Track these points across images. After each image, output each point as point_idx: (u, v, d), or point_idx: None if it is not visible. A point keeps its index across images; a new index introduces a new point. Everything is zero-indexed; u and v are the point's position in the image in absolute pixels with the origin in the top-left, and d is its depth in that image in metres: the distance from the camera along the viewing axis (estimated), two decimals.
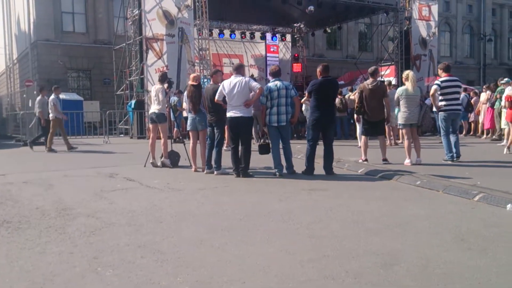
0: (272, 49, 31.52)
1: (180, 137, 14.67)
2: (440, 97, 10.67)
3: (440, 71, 11.03)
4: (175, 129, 16.03)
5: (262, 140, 10.03)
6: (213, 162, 9.73)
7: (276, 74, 9.68)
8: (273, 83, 9.45)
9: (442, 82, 10.60)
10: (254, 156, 9.60)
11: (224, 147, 10.06)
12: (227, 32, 28.77)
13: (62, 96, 25.88)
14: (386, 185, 8.47)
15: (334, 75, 33.23)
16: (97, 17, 33.21)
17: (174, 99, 16.60)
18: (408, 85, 10.44)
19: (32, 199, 7.29)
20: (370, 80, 10.61)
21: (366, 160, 10.68)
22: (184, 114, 14.86)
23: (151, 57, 20.48)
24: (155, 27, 20.43)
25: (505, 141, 13.75)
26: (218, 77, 10.06)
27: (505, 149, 12.58)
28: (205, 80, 18.20)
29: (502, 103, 14.02)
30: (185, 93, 10.83)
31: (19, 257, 4.48)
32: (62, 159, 13.75)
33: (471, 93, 20.15)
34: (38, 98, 16.23)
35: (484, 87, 19.01)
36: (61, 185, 8.70)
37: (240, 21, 29.28)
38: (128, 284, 3.80)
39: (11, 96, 40.75)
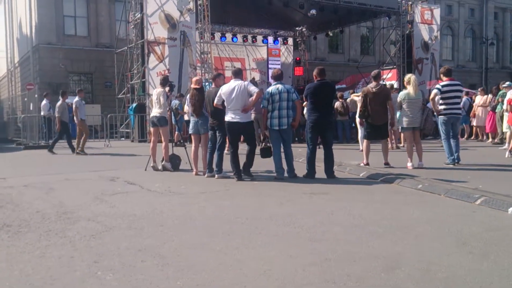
0: (274, 53, 31.51)
1: (181, 141, 14.68)
2: (441, 101, 10.66)
3: (441, 75, 11.03)
4: (176, 132, 16.03)
5: (263, 144, 10.02)
6: (214, 166, 9.72)
7: (278, 78, 9.69)
8: (274, 87, 9.46)
9: (443, 86, 10.59)
10: (255, 159, 9.59)
11: (226, 151, 10.05)
12: (229, 36, 28.76)
13: None
14: (388, 188, 8.46)
15: (336, 78, 33.50)
16: (99, 20, 33.25)
17: (175, 102, 16.61)
18: (410, 89, 10.43)
19: (33, 203, 7.28)
20: (373, 83, 10.62)
21: (367, 163, 10.67)
22: (186, 117, 14.85)
23: (152, 61, 20.48)
24: (157, 30, 20.44)
25: (506, 144, 13.73)
26: (220, 80, 10.05)
27: (507, 153, 12.56)
28: (206, 83, 18.18)
29: (504, 107, 14.00)
30: (188, 97, 10.83)
31: (19, 260, 4.47)
32: (63, 163, 13.75)
33: (473, 97, 20.11)
34: (59, 102, 16.22)
35: (479, 90, 18.97)
36: (61, 188, 8.69)
37: (242, 24, 29.28)
38: None
39: (12, 99, 40.80)
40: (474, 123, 18.64)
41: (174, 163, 10.94)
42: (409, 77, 10.67)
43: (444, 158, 10.94)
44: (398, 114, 11.60)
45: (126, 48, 23.33)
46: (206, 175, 9.85)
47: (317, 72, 9.78)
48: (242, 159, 9.46)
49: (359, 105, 10.83)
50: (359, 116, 10.76)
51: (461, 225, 5.66)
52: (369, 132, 10.77)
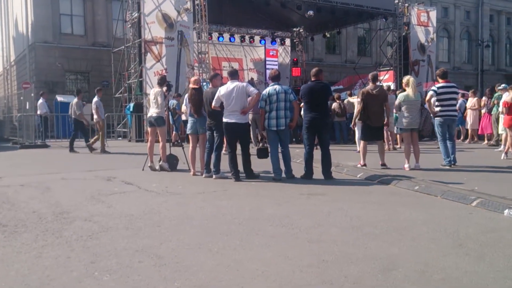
0: (271, 53, 31.55)
1: (179, 141, 14.67)
2: (437, 103, 10.70)
3: (437, 77, 11.07)
4: (174, 132, 16.02)
5: (260, 144, 10.03)
6: (212, 166, 9.72)
7: (276, 78, 9.70)
8: (272, 87, 9.46)
9: (438, 88, 10.63)
10: (252, 160, 9.60)
11: (223, 151, 10.05)
12: (226, 36, 28.80)
13: (59, 98, 26.00)
14: (385, 190, 8.47)
15: (333, 79, 33.55)
16: (95, 19, 33.19)
17: (173, 102, 16.60)
18: (409, 90, 10.45)
19: (29, 203, 7.26)
20: (372, 85, 10.64)
21: (365, 165, 10.68)
22: (183, 117, 14.84)
23: (150, 60, 20.47)
24: (154, 30, 20.43)
25: (502, 146, 13.77)
26: (218, 81, 10.05)
27: (503, 155, 12.60)
28: (204, 83, 18.18)
29: (500, 109, 14.04)
30: (186, 97, 10.82)
31: (15, 261, 4.46)
32: (59, 162, 13.73)
33: (478, 99, 20.14)
34: (75, 101, 16.28)
35: (470, 92, 19.00)
36: (58, 188, 8.68)
37: (240, 25, 29.31)
38: None
39: (8, 98, 40.68)
40: (466, 125, 18.66)
41: (171, 163, 10.94)
42: (408, 79, 10.69)
43: (440, 159, 10.97)
44: (394, 115, 11.65)
45: (123, 47, 23.30)
46: (203, 176, 9.85)
47: (312, 72, 9.86)
48: (240, 160, 9.46)
49: (358, 107, 10.81)
50: (359, 119, 10.73)
51: (457, 227, 5.67)
52: (365, 133, 10.79)
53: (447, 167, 10.59)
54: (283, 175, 9.54)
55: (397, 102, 10.77)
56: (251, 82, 21.20)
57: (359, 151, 12.45)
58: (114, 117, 23.16)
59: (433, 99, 10.68)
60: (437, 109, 10.68)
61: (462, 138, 19.06)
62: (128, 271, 4.14)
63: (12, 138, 22.59)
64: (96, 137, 16.20)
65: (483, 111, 17.83)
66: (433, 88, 10.82)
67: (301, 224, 5.78)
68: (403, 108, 10.50)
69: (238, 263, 4.37)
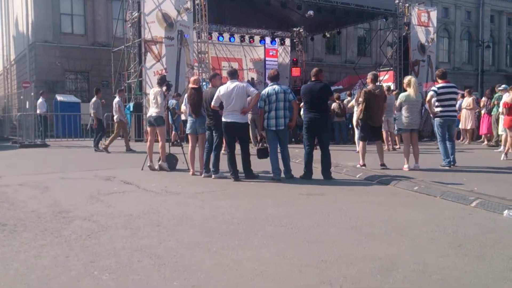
0: (271, 53, 31.55)
1: (178, 140, 14.67)
2: (437, 103, 10.71)
3: (436, 78, 11.07)
4: (173, 132, 16.02)
5: (260, 144, 10.03)
6: (211, 166, 9.72)
7: (275, 78, 9.70)
8: (271, 87, 9.46)
9: (438, 88, 10.63)
10: (252, 160, 9.59)
11: (223, 151, 10.04)
12: (226, 36, 28.79)
13: (59, 98, 25.98)
14: (384, 190, 8.47)
15: (333, 79, 33.53)
16: (96, 19, 33.18)
17: (172, 102, 16.60)
18: (411, 91, 10.44)
19: (28, 202, 7.26)
20: (372, 85, 10.63)
21: (364, 165, 10.68)
22: (183, 117, 14.84)
23: (149, 60, 20.47)
24: (154, 29, 20.42)
25: (502, 147, 13.77)
26: (217, 80, 10.05)
27: (503, 155, 12.60)
28: (203, 83, 18.18)
29: (500, 110, 14.05)
30: (185, 96, 10.81)
31: (15, 260, 4.46)
32: (58, 162, 13.73)
33: (473, 98, 20.13)
34: (93, 99, 16.43)
35: (465, 91, 18.99)
36: (57, 187, 8.67)
37: (240, 24, 29.31)
38: None
39: (8, 97, 40.65)
40: (460, 125, 18.58)
41: (170, 163, 10.93)
42: (409, 79, 10.68)
43: (440, 160, 10.97)
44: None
45: (123, 47, 23.29)
46: (202, 175, 9.85)
47: (312, 72, 9.89)
48: (239, 160, 9.46)
49: (360, 106, 10.77)
50: (362, 118, 10.70)
51: (456, 227, 5.67)
52: (365, 133, 10.79)
53: (447, 168, 10.59)
54: (282, 175, 9.54)
55: (397, 102, 10.77)
56: (251, 82, 21.22)
57: (358, 151, 12.45)
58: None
59: (433, 100, 10.69)
60: (437, 109, 10.68)
61: (462, 138, 19.04)
62: (127, 271, 4.14)
63: (11, 138, 22.59)
64: (110, 138, 16.27)
65: (482, 111, 17.84)
66: (433, 88, 10.82)
67: (300, 224, 5.78)
68: (403, 108, 10.49)
69: (236, 263, 4.37)
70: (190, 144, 10.37)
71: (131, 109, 21.27)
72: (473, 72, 51.72)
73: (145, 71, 20.36)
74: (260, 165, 10.04)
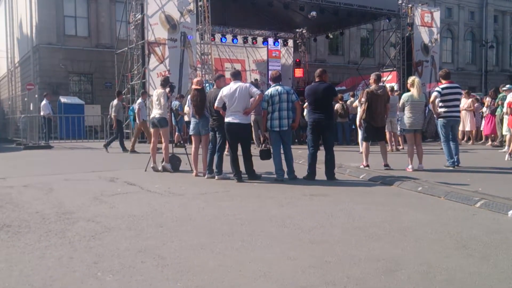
0: (274, 54, 31.53)
1: (181, 142, 14.68)
2: (440, 104, 10.69)
3: (440, 78, 11.05)
4: (177, 133, 16.03)
5: (263, 145, 10.03)
6: (214, 167, 9.72)
7: (277, 79, 9.69)
8: (274, 88, 9.46)
9: (442, 89, 10.61)
10: (255, 161, 9.59)
11: (226, 152, 10.04)
12: (229, 37, 28.78)
13: (63, 99, 26.05)
14: (388, 191, 8.45)
15: (336, 80, 33.50)
16: (99, 21, 33.22)
17: (175, 103, 16.62)
18: (414, 91, 10.42)
19: (32, 203, 7.28)
20: (375, 86, 10.61)
21: (367, 165, 10.66)
22: (186, 118, 14.85)
23: (153, 62, 20.48)
24: (157, 31, 20.43)
25: (506, 147, 13.74)
26: (221, 82, 10.05)
27: (507, 156, 12.56)
28: (207, 84, 18.18)
29: (504, 110, 14.02)
30: (188, 97, 10.81)
31: (19, 261, 4.47)
32: (62, 163, 13.75)
33: (473, 99, 20.10)
34: (114, 102, 16.70)
35: (464, 92, 18.94)
36: (61, 189, 8.69)
37: (243, 26, 29.29)
38: None
39: (12, 99, 40.75)
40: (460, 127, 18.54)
41: (174, 164, 10.94)
42: (413, 79, 10.67)
43: (444, 160, 10.95)
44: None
45: (126, 48, 23.33)
46: (206, 176, 9.85)
47: (316, 73, 9.86)
48: (242, 160, 9.46)
49: (363, 106, 10.77)
50: (364, 119, 10.70)
51: (461, 228, 5.66)
52: (368, 134, 10.77)
53: (451, 168, 10.57)
54: (286, 176, 9.53)
55: (401, 102, 10.75)
56: (255, 83, 21.22)
57: (361, 152, 12.44)
58: None
59: (437, 100, 10.67)
60: (440, 110, 10.66)
61: (465, 139, 19.01)
62: (130, 272, 4.15)
63: (16, 139, 22.65)
64: (133, 139, 16.40)
65: (486, 112, 17.81)
66: (437, 89, 10.79)
67: (303, 225, 5.77)
68: (406, 109, 10.47)
69: (240, 264, 4.37)
70: (193, 145, 10.38)
71: (135, 110, 21.26)
72: (477, 72, 51.62)
73: (148, 72, 20.38)
74: (263, 166, 10.04)
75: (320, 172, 9.67)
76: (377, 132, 10.72)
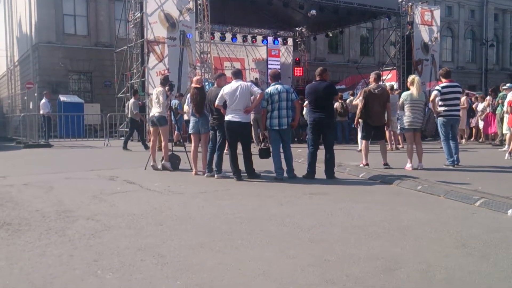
0: (273, 53, 31.47)
1: (181, 140, 14.67)
2: (440, 103, 10.68)
3: (440, 77, 11.05)
4: (176, 132, 16.03)
5: (262, 144, 10.03)
6: (214, 166, 9.72)
7: (276, 78, 9.70)
8: (273, 87, 9.46)
9: (442, 88, 10.60)
10: (254, 160, 9.59)
11: (226, 151, 10.05)
12: (228, 36, 28.74)
13: (62, 98, 26.04)
14: (387, 189, 8.46)
15: (335, 79, 33.51)
16: (98, 19, 33.19)
17: (175, 102, 16.61)
18: (414, 90, 10.42)
19: (32, 201, 7.28)
20: (374, 84, 10.61)
21: (367, 164, 10.67)
22: (185, 117, 14.85)
23: (152, 60, 20.46)
24: (156, 30, 20.41)
25: (506, 146, 13.74)
26: (222, 81, 10.05)
27: (507, 155, 12.55)
28: (206, 83, 18.17)
29: (504, 108, 14.02)
30: (188, 96, 10.82)
31: (19, 259, 4.47)
32: (62, 162, 13.75)
33: (473, 98, 20.13)
34: (131, 101, 16.87)
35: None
36: (61, 187, 8.69)
37: (242, 24, 29.26)
38: (128, 287, 3.79)
39: (12, 98, 40.74)
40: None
41: (173, 162, 10.94)
42: (413, 78, 10.67)
43: (443, 159, 10.95)
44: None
45: (125, 47, 23.29)
46: (205, 175, 9.85)
47: (317, 72, 9.86)
48: (241, 159, 9.47)
49: (359, 105, 10.79)
50: (360, 117, 10.74)
51: (460, 227, 5.67)
52: (366, 133, 10.78)
53: (450, 167, 10.57)
54: (285, 174, 9.53)
55: (400, 101, 10.75)
56: (255, 82, 21.22)
57: (360, 151, 12.45)
58: (117, 117, 23.16)
59: (436, 99, 10.67)
60: (440, 108, 10.66)
61: (465, 137, 19.02)
62: (130, 270, 4.15)
63: (16, 138, 22.64)
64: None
65: (487, 110, 17.82)
66: (437, 87, 10.78)
67: (303, 224, 5.78)
68: (406, 108, 10.47)
69: (239, 262, 4.37)
70: (192, 144, 10.38)
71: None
72: (477, 71, 51.61)
73: (147, 71, 20.36)
74: (262, 164, 10.04)
75: (320, 171, 9.67)
76: (376, 131, 10.71)
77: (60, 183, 9.20)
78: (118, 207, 6.83)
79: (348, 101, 18.66)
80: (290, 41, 32.41)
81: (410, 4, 26.31)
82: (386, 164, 10.59)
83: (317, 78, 9.78)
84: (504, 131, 14.39)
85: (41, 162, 13.61)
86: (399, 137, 15.47)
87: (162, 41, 20.48)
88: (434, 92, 10.72)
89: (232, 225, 5.77)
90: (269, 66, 29.62)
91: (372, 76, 10.85)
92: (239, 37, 29.40)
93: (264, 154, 9.80)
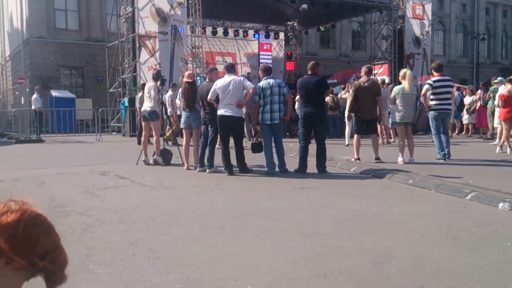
0: (265, 47, 31.45)
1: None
2: (432, 96, 10.70)
3: (432, 71, 11.08)
4: (168, 127, 15.99)
5: (254, 139, 10.02)
6: (205, 160, 9.72)
7: (268, 72, 9.70)
8: (265, 81, 9.45)
9: (434, 81, 10.63)
10: (246, 154, 9.59)
11: (217, 146, 10.04)
12: (220, 30, 28.67)
13: (54, 93, 25.91)
14: (379, 183, 8.48)
15: (327, 73, 33.47)
16: (90, 14, 33.04)
17: (169, 93, 16.54)
18: (405, 83, 10.43)
19: (24, 197, 7.22)
20: (365, 78, 10.62)
21: (358, 158, 10.68)
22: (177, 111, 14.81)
23: (144, 55, 20.40)
24: (148, 24, 20.34)
25: (497, 140, 13.81)
26: (214, 75, 10.03)
27: (498, 148, 12.62)
28: (198, 78, 18.13)
29: (496, 102, 14.08)
30: (180, 91, 10.79)
31: None
32: (54, 157, 13.70)
33: (464, 92, 20.20)
34: (140, 94, 16.35)
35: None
36: (52, 182, 8.66)
37: (233, 19, 29.21)
38: (120, 282, 3.80)
39: (3, 93, 40.56)
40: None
41: (165, 157, 10.92)
42: (405, 72, 10.68)
43: (434, 153, 10.98)
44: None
45: (117, 42, 23.20)
46: (197, 170, 9.85)
47: (309, 66, 9.87)
48: (233, 154, 9.46)
49: (349, 99, 10.81)
50: (349, 110, 10.76)
51: (451, 220, 5.69)
52: (358, 127, 10.78)
53: (442, 161, 10.60)
54: (277, 169, 9.54)
55: (392, 95, 10.77)
56: (247, 76, 21.20)
57: (347, 145, 12.48)
58: (108, 112, 23.10)
59: (428, 93, 10.69)
60: (432, 102, 10.68)
61: (457, 131, 19.11)
62: (122, 264, 4.15)
63: (7, 133, 22.54)
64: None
65: (478, 104, 17.90)
66: (429, 81, 10.81)
67: (294, 218, 5.79)
68: (397, 101, 10.48)
69: (231, 256, 4.38)
70: (184, 139, 10.36)
71: (126, 104, 21.17)
72: (469, 65, 51.76)
73: (139, 66, 20.29)
74: (254, 159, 10.04)
75: (311, 165, 9.68)
76: (367, 125, 10.71)
77: (51, 178, 9.16)
78: (110, 202, 6.82)
79: (339, 95, 18.68)
80: (281, 35, 32.39)
81: None
82: (377, 158, 10.60)
83: (309, 72, 9.79)
84: (495, 125, 14.45)
85: (32, 157, 13.54)
86: (391, 131, 15.50)
87: (154, 35, 20.42)
88: (426, 86, 10.74)
89: (224, 219, 5.77)
90: (261, 61, 29.58)
91: (363, 70, 10.86)
92: (230, 32, 29.36)
93: (256, 148, 9.80)
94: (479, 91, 18.25)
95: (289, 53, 32.25)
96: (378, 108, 10.73)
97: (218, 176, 9.29)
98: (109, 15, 28.72)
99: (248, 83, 9.28)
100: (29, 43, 31.65)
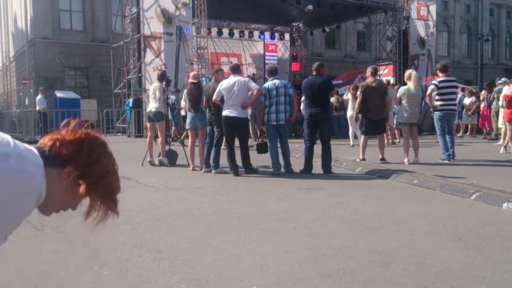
0: (270, 48, 31.44)
1: (178, 136, 14.65)
2: (437, 97, 10.70)
3: (437, 71, 11.07)
4: (173, 128, 16.00)
5: (260, 139, 10.03)
6: (211, 161, 9.72)
7: (273, 73, 9.70)
8: (271, 82, 9.47)
9: (439, 82, 10.62)
10: (251, 155, 9.60)
11: (223, 146, 10.05)
12: (225, 31, 28.68)
13: (59, 94, 25.97)
14: (384, 184, 8.48)
15: (332, 74, 33.48)
16: (94, 15, 33.10)
17: (172, 97, 16.59)
18: (411, 84, 10.42)
19: None
20: (371, 78, 10.61)
21: (364, 159, 10.67)
22: (182, 112, 14.82)
23: (149, 56, 20.41)
24: (153, 25, 20.36)
25: (501, 140, 13.78)
26: (220, 76, 10.05)
27: (502, 149, 12.61)
28: (203, 78, 18.15)
29: (500, 103, 14.05)
30: (185, 92, 10.81)
31: (15, 255, 4.46)
32: None
33: (467, 93, 20.13)
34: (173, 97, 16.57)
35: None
36: None
37: (239, 20, 29.20)
38: (125, 283, 3.80)
39: (7, 94, 40.65)
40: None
41: (171, 158, 10.93)
42: (410, 72, 10.67)
43: (439, 153, 10.97)
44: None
45: (122, 42, 23.22)
46: (203, 171, 9.85)
47: (313, 67, 9.88)
48: (238, 154, 9.47)
49: (358, 100, 10.78)
50: (358, 112, 10.70)
51: (456, 220, 5.69)
52: (367, 128, 10.75)
53: (446, 161, 10.60)
54: (282, 169, 9.54)
55: (397, 95, 10.76)
56: (252, 77, 21.23)
57: (352, 146, 12.47)
58: (114, 113, 23.13)
59: (433, 93, 10.68)
60: (437, 103, 10.68)
61: (461, 132, 19.08)
62: (127, 265, 4.15)
63: (11, 134, 22.50)
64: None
65: (482, 105, 17.86)
66: (434, 82, 10.81)
67: (300, 218, 5.79)
68: (403, 102, 10.47)
69: (237, 257, 4.38)
70: (190, 140, 10.38)
71: (131, 105, 21.21)
72: (473, 65, 51.65)
73: (144, 67, 20.32)
74: (259, 160, 10.05)
75: (317, 165, 9.68)
76: (376, 126, 10.69)
77: None
78: None
79: (344, 96, 18.66)
80: (287, 36, 32.36)
81: None
82: (383, 158, 10.60)
83: (314, 73, 9.79)
84: (499, 125, 14.42)
85: None
86: (396, 132, 15.49)
87: (159, 36, 20.44)
88: (431, 87, 10.74)
89: (230, 220, 5.78)
90: (266, 62, 29.58)
91: (369, 70, 10.86)
92: (236, 32, 29.36)
93: (261, 149, 9.81)
94: (483, 92, 18.22)
95: (294, 54, 32.23)
96: (385, 108, 10.72)
97: (223, 176, 9.30)
98: (114, 15, 28.79)
99: (253, 84, 9.29)
100: (33, 44, 31.72)
